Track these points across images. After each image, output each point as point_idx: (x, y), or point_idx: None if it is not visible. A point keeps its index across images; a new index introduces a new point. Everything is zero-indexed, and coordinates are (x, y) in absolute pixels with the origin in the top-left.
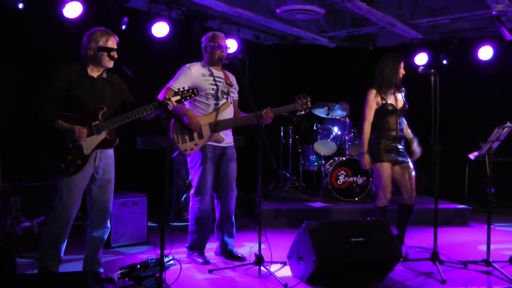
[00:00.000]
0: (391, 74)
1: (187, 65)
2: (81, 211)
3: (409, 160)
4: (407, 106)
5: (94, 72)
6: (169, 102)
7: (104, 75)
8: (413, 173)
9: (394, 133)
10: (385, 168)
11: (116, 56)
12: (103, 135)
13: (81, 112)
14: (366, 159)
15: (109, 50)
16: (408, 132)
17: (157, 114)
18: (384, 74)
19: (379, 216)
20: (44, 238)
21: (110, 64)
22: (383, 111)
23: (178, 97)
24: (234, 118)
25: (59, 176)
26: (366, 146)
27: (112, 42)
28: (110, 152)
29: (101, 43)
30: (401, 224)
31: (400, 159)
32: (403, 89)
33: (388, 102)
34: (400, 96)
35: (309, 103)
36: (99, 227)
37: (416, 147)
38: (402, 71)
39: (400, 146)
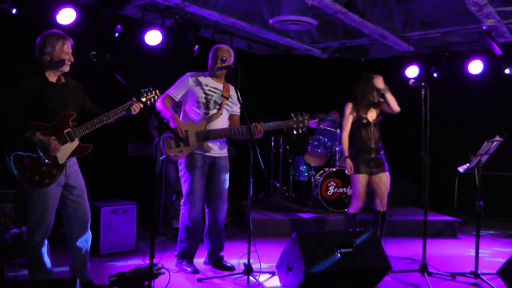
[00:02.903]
0: (367, 95)
1: (187, 73)
2: None
3: (385, 170)
4: (381, 117)
5: (51, 77)
6: (134, 107)
7: (63, 80)
8: (388, 183)
9: (369, 144)
10: (361, 179)
11: (72, 60)
12: (76, 142)
13: (50, 120)
14: (349, 162)
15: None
16: None
17: (124, 116)
18: (363, 93)
19: (349, 222)
20: (28, 256)
21: (67, 68)
22: (358, 124)
23: (144, 99)
24: (223, 129)
25: (33, 189)
26: (346, 152)
27: (68, 46)
28: (74, 159)
29: (57, 48)
30: (377, 231)
31: (375, 170)
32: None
33: (362, 115)
34: (375, 110)
35: (306, 121)
36: (81, 235)
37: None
38: (379, 93)
39: (377, 156)
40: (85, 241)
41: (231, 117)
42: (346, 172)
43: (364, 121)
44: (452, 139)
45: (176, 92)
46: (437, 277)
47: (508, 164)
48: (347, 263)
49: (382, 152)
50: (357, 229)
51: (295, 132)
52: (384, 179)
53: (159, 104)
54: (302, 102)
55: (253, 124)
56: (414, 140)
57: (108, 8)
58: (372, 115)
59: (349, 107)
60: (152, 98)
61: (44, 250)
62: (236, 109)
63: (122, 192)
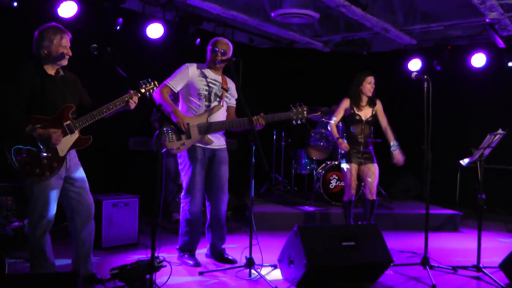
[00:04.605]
0: (361, 94)
1: (186, 64)
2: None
3: (374, 162)
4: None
5: (50, 70)
6: (131, 101)
7: (61, 73)
8: (376, 173)
9: (359, 139)
10: (352, 168)
11: (70, 54)
12: (76, 134)
13: (50, 113)
14: (342, 142)
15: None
16: (389, 135)
17: (121, 110)
18: (358, 92)
19: (345, 209)
20: (30, 250)
21: (66, 62)
22: (351, 120)
23: (143, 90)
24: (225, 121)
25: (34, 182)
26: (336, 134)
27: (66, 40)
28: (74, 152)
29: (55, 42)
30: (366, 217)
31: (364, 161)
32: (378, 102)
33: (356, 112)
34: (371, 108)
35: (305, 112)
36: (84, 227)
37: (394, 151)
38: (372, 85)
39: (365, 150)
40: (89, 233)
41: (228, 109)
42: (343, 151)
43: (357, 118)
44: (455, 132)
45: (175, 83)
46: (439, 271)
47: (511, 157)
48: (349, 256)
49: (371, 147)
50: (359, 223)
51: (294, 123)
52: (372, 169)
53: (157, 96)
54: (304, 95)
55: (255, 117)
56: (417, 134)
57: (109, 2)
58: (366, 113)
59: (345, 102)
60: (151, 89)
61: (46, 243)
62: (233, 101)
63: (124, 185)
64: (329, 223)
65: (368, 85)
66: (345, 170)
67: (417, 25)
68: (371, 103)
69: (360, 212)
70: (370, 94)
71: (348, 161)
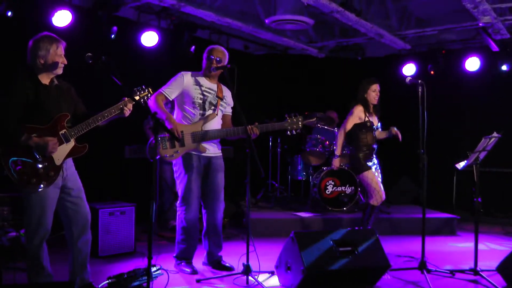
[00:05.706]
0: (369, 97)
1: (181, 72)
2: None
3: (378, 166)
4: (380, 124)
5: (44, 79)
6: (125, 108)
7: (56, 82)
8: (380, 177)
9: (371, 146)
10: (371, 173)
11: (66, 62)
12: (72, 143)
13: (45, 122)
14: (337, 161)
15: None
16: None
17: (116, 118)
18: (362, 96)
19: (370, 213)
20: (27, 259)
21: (61, 71)
22: (364, 127)
23: (137, 97)
24: (220, 129)
25: (30, 191)
26: (339, 150)
27: (61, 49)
28: (71, 161)
29: (51, 51)
30: (365, 220)
31: (373, 166)
32: (379, 109)
33: (369, 119)
34: (376, 116)
35: (300, 123)
36: (81, 236)
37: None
38: (377, 93)
39: (375, 157)
40: (85, 243)
41: (223, 117)
42: (334, 168)
43: (368, 124)
44: (450, 136)
45: (170, 91)
46: (437, 275)
47: (506, 160)
48: (346, 261)
49: (376, 153)
50: (355, 228)
51: (289, 133)
52: (377, 174)
53: (152, 103)
54: (299, 101)
55: (249, 126)
56: (412, 138)
57: (103, 10)
58: (375, 120)
59: (359, 110)
60: (145, 96)
61: (43, 253)
62: (228, 110)
63: (120, 194)
64: (326, 228)
65: (373, 93)
66: (366, 177)
67: (411, 30)
68: (376, 110)
69: (358, 217)
70: (375, 102)
71: (364, 169)
